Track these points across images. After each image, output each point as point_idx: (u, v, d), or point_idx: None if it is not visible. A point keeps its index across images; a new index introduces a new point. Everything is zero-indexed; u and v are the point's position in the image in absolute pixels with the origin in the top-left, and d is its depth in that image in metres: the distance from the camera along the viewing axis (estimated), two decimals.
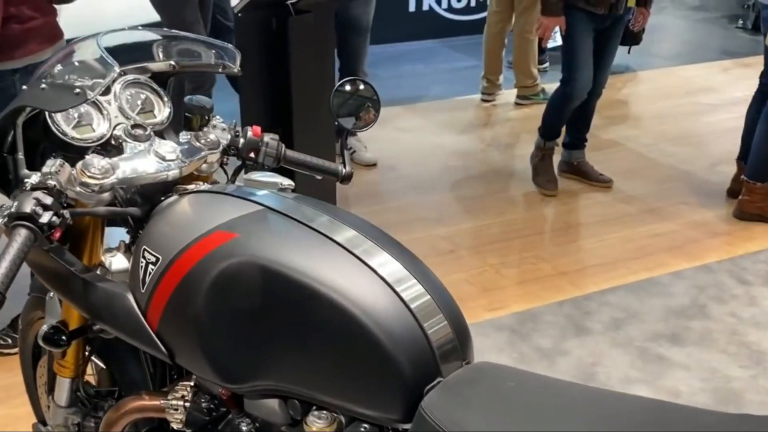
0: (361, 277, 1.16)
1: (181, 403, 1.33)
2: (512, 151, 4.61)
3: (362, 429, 1.17)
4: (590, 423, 1.02)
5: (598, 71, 3.84)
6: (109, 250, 1.45)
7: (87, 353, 1.61)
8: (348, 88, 1.58)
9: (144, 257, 1.29)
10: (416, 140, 4.72)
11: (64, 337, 1.44)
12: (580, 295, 3.11)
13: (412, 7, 6.83)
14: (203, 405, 1.33)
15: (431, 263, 1.25)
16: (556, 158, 4.14)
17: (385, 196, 3.98)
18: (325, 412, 1.20)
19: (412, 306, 1.14)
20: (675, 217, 3.80)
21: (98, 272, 1.42)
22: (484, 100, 5.40)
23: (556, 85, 3.95)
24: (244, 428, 1.28)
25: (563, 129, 4.08)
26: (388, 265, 1.18)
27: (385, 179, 4.17)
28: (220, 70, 1.53)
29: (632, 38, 6.23)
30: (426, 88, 5.73)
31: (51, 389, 1.76)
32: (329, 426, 1.19)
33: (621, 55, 6.18)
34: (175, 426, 1.35)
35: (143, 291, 1.28)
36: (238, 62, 1.53)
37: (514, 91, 5.35)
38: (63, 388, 1.70)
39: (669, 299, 3.10)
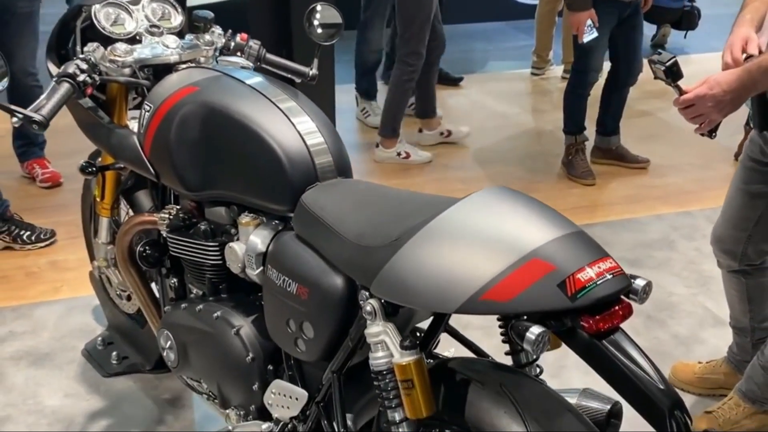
0: (277, 122, 1.74)
1: (167, 215, 1.94)
2: (545, 116, 5.06)
3: (274, 222, 1.75)
4: (385, 207, 1.55)
5: (634, 61, 3.96)
6: (134, 117, 2.09)
7: (118, 196, 2.26)
8: (315, 11, 2.12)
9: (145, 108, 1.91)
10: (460, 103, 5.23)
11: (93, 168, 2.09)
12: None
13: None
14: (181, 216, 1.93)
15: None
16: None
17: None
18: (252, 213, 1.77)
19: (308, 143, 1.72)
20: (677, 174, 4.18)
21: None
22: (533, 74, 5.86)
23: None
24: (202, 227, 1.87)
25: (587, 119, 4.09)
26: (302, 119, 1.75)
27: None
28: None
29: (688, 23, 6.52)
30: (483, 63, 6.22)
31: (96, 234, 2.42)
32: (253, 221, 1.76)
33: (678, 39, 6.50)
34: (162, 231, 1.96)
35: (142, 131, 1.90)
36: None
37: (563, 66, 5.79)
38: (103, 227, 2.36)
39: (642, 235, 3.52)
